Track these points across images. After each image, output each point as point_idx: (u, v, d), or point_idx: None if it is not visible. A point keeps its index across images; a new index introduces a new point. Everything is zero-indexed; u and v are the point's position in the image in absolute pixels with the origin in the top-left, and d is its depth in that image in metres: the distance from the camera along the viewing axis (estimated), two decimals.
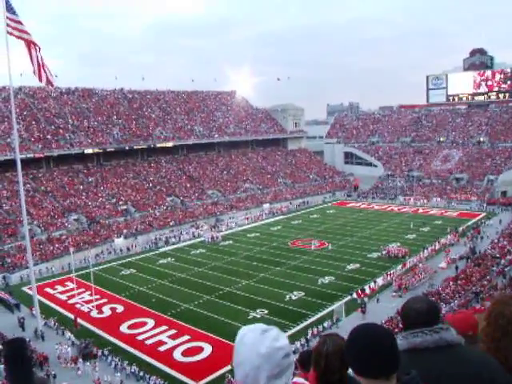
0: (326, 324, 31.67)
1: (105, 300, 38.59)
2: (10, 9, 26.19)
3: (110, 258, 52.15)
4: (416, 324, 2.46)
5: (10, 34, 26.49)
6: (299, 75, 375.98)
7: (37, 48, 26.09)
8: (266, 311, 34.56)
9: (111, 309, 36.70)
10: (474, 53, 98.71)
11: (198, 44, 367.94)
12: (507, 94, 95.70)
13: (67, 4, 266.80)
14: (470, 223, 60.85)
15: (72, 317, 34.24)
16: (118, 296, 39.49)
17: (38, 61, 25.81)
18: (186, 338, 31.00)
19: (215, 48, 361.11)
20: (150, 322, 33.48)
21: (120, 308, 36.83)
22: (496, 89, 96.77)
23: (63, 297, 40.14)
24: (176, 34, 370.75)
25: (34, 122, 70.13)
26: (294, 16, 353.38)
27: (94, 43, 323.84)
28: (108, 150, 72.99)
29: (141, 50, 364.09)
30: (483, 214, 65.99)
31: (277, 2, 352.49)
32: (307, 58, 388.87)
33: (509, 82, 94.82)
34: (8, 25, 26.43)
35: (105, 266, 49.25)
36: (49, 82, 26.87)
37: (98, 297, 38.50)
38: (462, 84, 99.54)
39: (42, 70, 25.87)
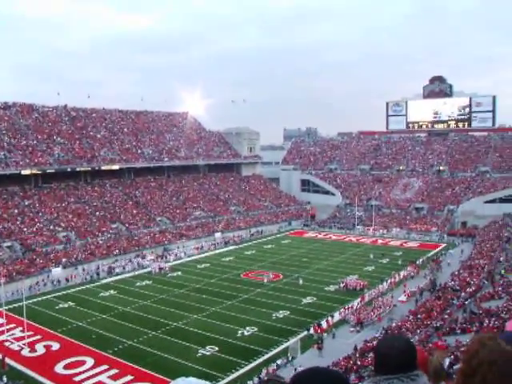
0: (279, 361, 31.34)
1: (39, 336, 37.01)
2: None
3: (47, 290, 50.30)
4: (393, 366, 2.34)
5: None
6: (255, 98, 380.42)
7: None
8: (217, 348, 33.97)
9: (46, 346, 35.20)
10: (433, 80, 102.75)
11: (150, 62, 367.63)
12: (466, 123, 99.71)
13: (4, 9, 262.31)
14: (430, 254, 62.24)
15: None
16: (53, 332, 37.96)
17: None
18: (129, 378, 29.98)
19: (167, 67, 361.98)
20: (89, 361, 32.25)
21: (56, 345, 35.37)
22: (455, 117, 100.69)
23: None
24: (127, 49, 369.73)
25: None
26: (252, 38, 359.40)
27: (35, 55, 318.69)
28: (48, 171, 71.17)
29: (87, 65, 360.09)
30: (443, 245, 67.72)
31: (235, 22, 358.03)
32: (264, 80, 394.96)
33: (467, 111, 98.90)
34: None
35: (40, 298, 47.44)
36: None
37: (30, 333, 36.86)
38: (422, 111, 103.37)
39: None
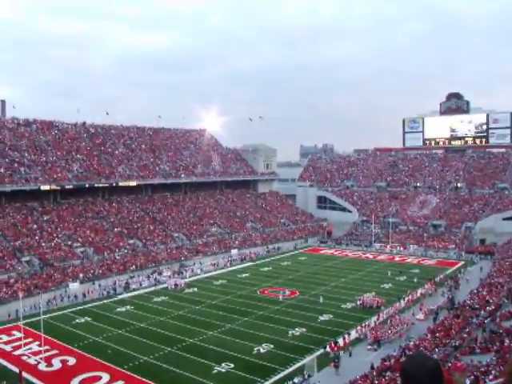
0: (296, 380, 30.97)
1: (55, 351, 37.07)
2: None
3: (64, 305, 50.49)
4: None
5: None
6: (272, 115, 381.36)
7: None
8: (232, 365, 33.70)
9: (62, 361, 35.21)
10: (450, 97, 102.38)
11: (167, 80, 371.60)
12: (484, 140, 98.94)
13: (28, 30, 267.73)
14: (447, 272, 61.46)
15: (17, 370, 32.71)
16: (70, 347, 38.01)
17: None
18: None
19: (185, 84, 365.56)
20: (105, 377, 32.18)
21: (72, 360, 35.38)
22: (472, 134, 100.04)
23: (8, 347, 38.40)
24: (145, 67, 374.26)
25: None
26: (268, 55, 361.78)
27: (56, 73, 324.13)
28: (66, 187, 71.86)
29: (107, 82, 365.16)
30: (461, 263, 66.85)
31: (251, 41, 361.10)
32: (281, 97, 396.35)
33: (485, 127, 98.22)
34: None
35: (57, 313, 47.59)
36: None
37: (47, 348, 36.99)
38: (439, 128, 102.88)
39: None
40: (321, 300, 49.20)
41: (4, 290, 50.03)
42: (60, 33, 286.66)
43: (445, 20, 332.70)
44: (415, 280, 56.80)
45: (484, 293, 45.95)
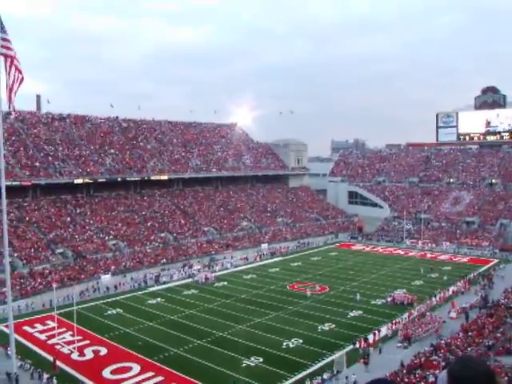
0: (325, 376, 30.88)
1: (87, 341, 37.78)
2: (2, 28, 26.45)
3: (96, 296, 51.42)
4: None
5: (2, 54, 26.67)
6: (303, 110, 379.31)
7: (18, 71, 26.20)
8: (261, 359, 33.79)
9: (94, 351, 35.89)
10: (485, 91, 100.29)
11: (198, 74, 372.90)
12: None
13: (62, 27, 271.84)
14: (481, 270, 60.35)
15: (51, 359, 33.45)
16: (101, 337, 38.69)
17: (12, 84, 25.90)
18: None
19: (216, 79, 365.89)
20: (136, 367, 32.66)
21: (103, 350, 36.03)
22: (509, 128, 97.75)
23: (42, 336, 39.33)
24: (176, 63, 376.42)
25: (22, 148, 70.37)
26: (299, 50, 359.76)
27: (89, 69, 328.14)
28: (99, 180, 73.00)
29: (139, 77, 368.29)
30: (496, 261, 65.55)
31: (282, 36, 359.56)
32: (312, 92, 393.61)
33: None
34: (2, 46, 26.61)
35: (89, 304, 48.47)
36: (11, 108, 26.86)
37: (80, 338, 37.72)
38: (474, 123, 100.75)
39: (12, 95, 25.94)
40: (358, 297, 48.57)
41: (39, 280, 51.19)
42: (93, 29, 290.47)
43: (480, 12, 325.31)
44: (445, 278, 55.92)
45: None
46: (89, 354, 35.51)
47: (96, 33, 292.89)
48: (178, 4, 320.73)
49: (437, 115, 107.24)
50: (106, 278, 55.64)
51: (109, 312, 45.97)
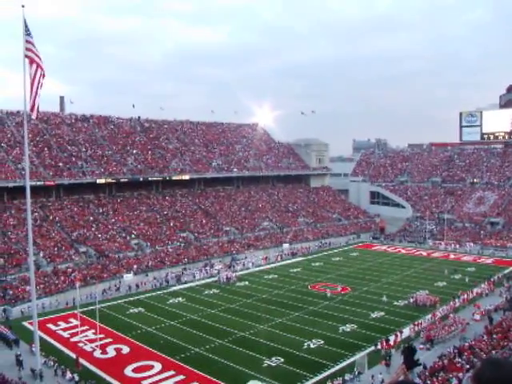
0: (346, 377, 30.71)
1: (110, 339, 38.15)
2: (27, 31, 26.88)
3: (118, 295, 51.88)
4: None
5: (27, 57, 27.10)
6: (324, 109, 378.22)
7: (42, 74, 26.56)
8: (282, 359, 33.73)
9: (116, 349, 36.22)
10: (510, 89, 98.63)
11: (220, 74, 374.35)
12: None
13: (85, 28, 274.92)
14: (506, 271, 59.44)
15: (74, 356, 33.83)
16: (123, 336, 39.02)
17: (37, 87, 26.25)
18: None
19: (237, 79, 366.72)
20: (157, 366, 32.86)
21: (125, 349, 36.33)
22: None
23: (66, 334, 39.79)
24: (197, 63, 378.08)
25: (46, 149, 71.41)
26: (319, 49, 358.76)
27: (111, 69, 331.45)
28: (121, 180, 73.66)
29: (160, 78, 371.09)
30: None
31: (303, 35, 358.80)
32: (333, 91, 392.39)
33: None
34: (27, 48, 27.05)
35: (112, 303, 48.93)
36: (33, 111, 27.06)
37: (102, 336, 38.11)
38: (498, 122, 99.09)
39: (36, 97, 26.27)
40: (384, 298, 48.05)
41: (62, 278, 51.84)
42: (114, 30, 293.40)
43: (504, 9, 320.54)
44: (467, 280, 55.10)
45: None
46: (111, 352, 35.84)
47: (119, 34, 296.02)
48: (198, 3, 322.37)
49: (460, 114, 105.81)
50: (129, 277, 56.11)
51: (131, 311, 46.32)
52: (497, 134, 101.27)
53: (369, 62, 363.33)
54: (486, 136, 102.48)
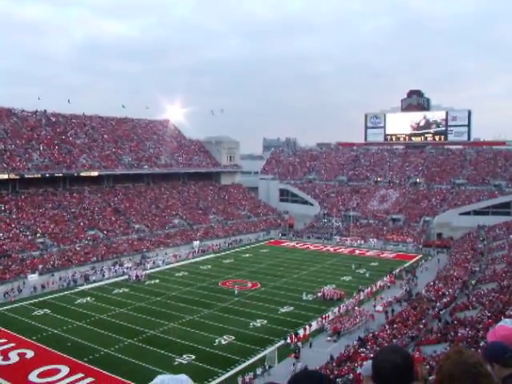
0: (258, 371, 31.16)
1: (12, 344, 36.24)
2: None
3: (22, 297, 49.39)
4: (390, 380, 2.31)
5: None
6: (236, 107, 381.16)
7: None
8: (193, 357, 33.66)
9: (19, 354, 34.44)
10: (411, 94, 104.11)
11: (131, 69, 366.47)
12: (442, 136, 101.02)
13: None
14: (406, 265, 62.71)
15: None
16: (28, 340, 37.19)
17: None
18: None
19: (149, 74, 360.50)
20: (64, 369, 31.64)
21: (30, 353, 34.65)
22: (432, 130, 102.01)
23: None
24: (108, 56, 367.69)
25: None
26: (231, 48, 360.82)
27: (14, 59, 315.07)
28: (26, 176, 70.12)
29: (68, 70, 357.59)
30: (419, 256, 68.31)
31: (216, 33, 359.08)
32: (245, 90, 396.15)
33: (444, 124, 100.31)
34: None
35: (14, 305, 46.52)
36: None
37: (4, 341, 36.23)
38: (400, 124, 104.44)
39: None
40: (304, 296, 48.67)
41: None
42: (20, 17, 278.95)
43: (408, 18, 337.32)
44: (367, 275, 57.40)
45: (440, 285, 47.11)
46: (14, 357, 33.98)
47: (24, 21, 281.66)
48: None
49: (366, 116, 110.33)
50: (33, 278, 53.66)
51: (36, 313, 44.31)
52: (398, 136, 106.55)
53: (280, 63, 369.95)
54: (388, 137, 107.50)
